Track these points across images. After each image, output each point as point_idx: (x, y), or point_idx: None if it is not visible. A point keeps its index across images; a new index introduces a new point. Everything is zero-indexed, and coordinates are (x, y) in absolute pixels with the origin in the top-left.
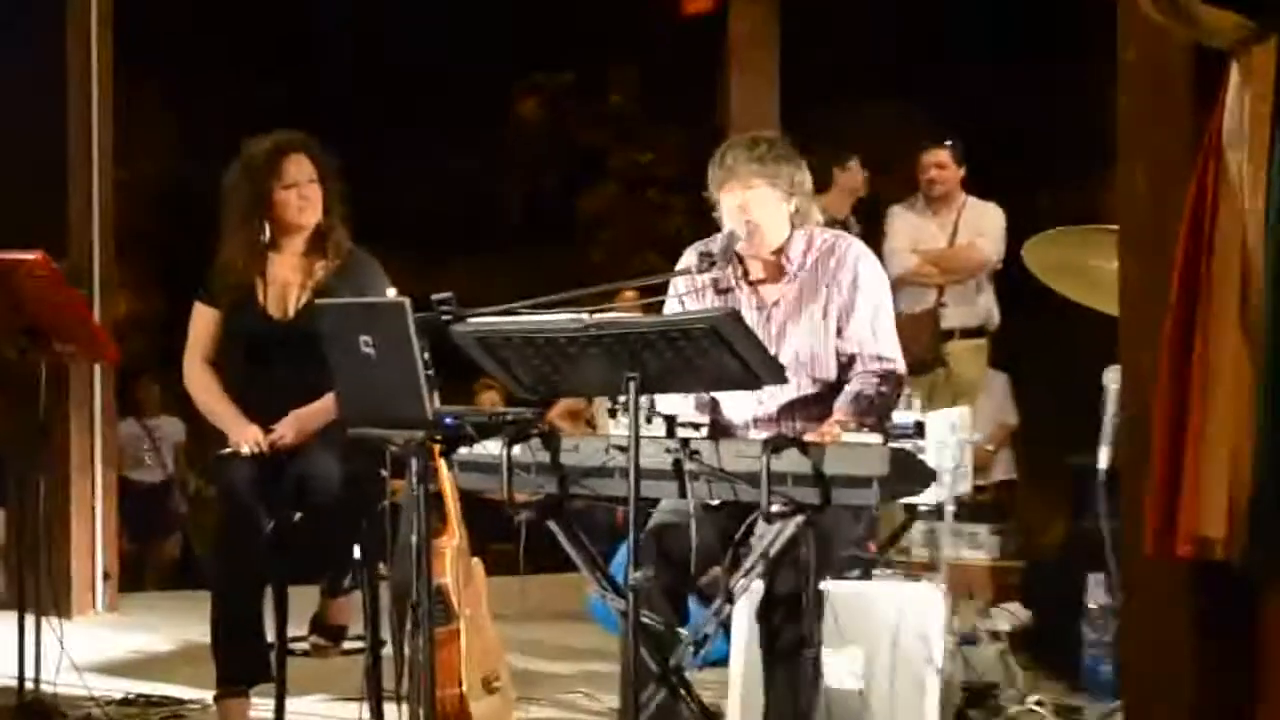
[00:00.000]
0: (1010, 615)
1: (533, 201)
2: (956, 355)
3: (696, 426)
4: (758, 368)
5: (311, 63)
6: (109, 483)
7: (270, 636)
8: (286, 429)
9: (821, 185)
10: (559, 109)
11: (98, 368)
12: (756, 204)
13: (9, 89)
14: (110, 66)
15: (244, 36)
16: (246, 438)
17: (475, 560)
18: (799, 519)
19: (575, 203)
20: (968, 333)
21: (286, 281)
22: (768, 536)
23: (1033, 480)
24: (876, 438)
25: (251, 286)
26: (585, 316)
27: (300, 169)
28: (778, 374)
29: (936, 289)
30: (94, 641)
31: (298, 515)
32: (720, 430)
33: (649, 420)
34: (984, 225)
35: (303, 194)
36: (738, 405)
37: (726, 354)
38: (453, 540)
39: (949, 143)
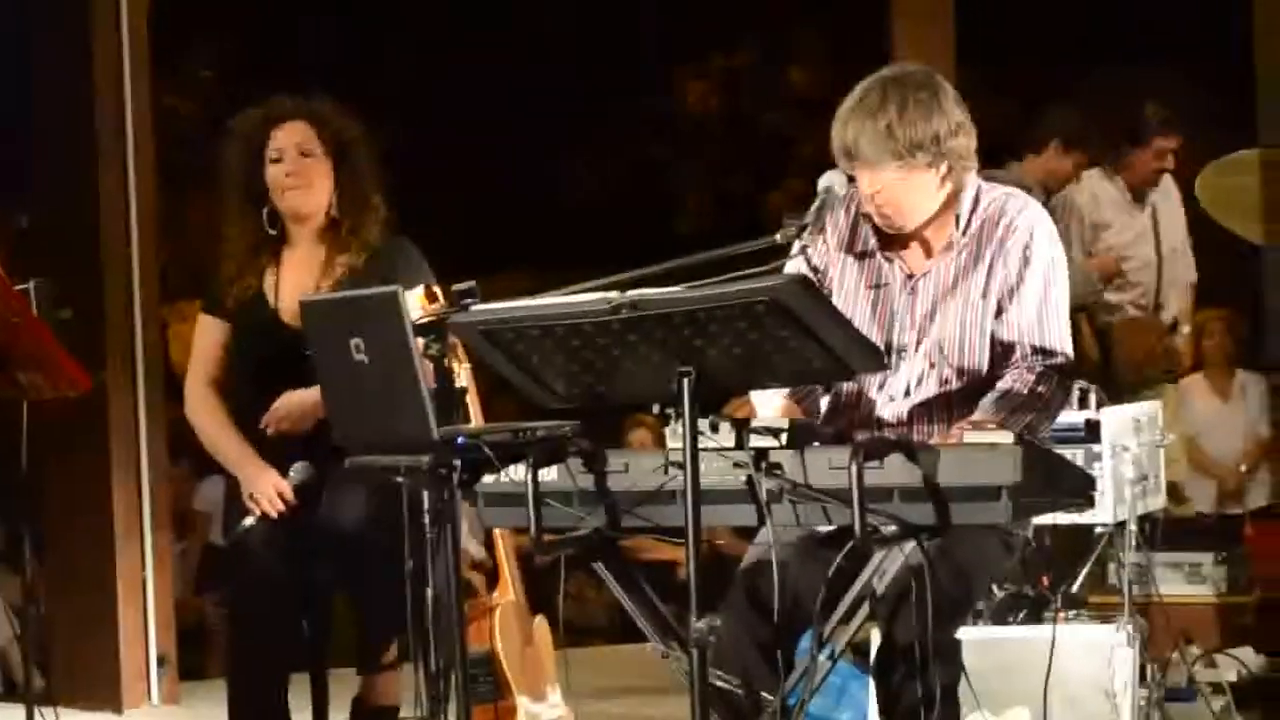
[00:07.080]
0: (1238, 664)
1: (713, 204)
2: None
3: (775, 433)
4: (843, 351)
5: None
6: (161, 550)
7: None
8: (278, 414)
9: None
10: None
11: (143, 409)
12: (892, 190)
13: None
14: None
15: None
16: (264, 489)
17: (538, 620)
18: (911, 546)
19: (762, 201)
20: None
21: (301, 280)
22: (872, 570)
23: None
24: (1005, 435)
25: (258, 287)
26: (614, 295)
27: (290, 138)
28: (872, 358)
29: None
30: None
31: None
32: (832, 439)
33: (714, 429)
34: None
35: (289, 171)
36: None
37: (799, 335)
38: (505, 596)
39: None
